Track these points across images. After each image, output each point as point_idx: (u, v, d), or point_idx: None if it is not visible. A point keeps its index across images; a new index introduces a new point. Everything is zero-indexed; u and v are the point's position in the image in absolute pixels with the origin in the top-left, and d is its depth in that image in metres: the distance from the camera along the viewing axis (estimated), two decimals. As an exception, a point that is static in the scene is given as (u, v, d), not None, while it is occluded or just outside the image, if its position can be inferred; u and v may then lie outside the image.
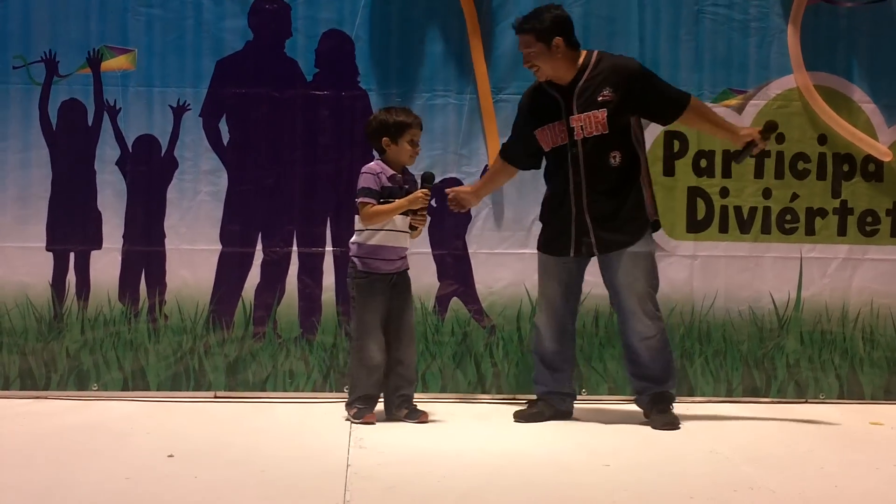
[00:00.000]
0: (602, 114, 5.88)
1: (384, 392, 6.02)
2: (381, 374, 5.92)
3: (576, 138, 5.91)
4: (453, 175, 6.64)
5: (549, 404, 6.09)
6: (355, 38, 6.60)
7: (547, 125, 6.00)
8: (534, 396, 6.20)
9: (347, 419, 5.88)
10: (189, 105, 6.54)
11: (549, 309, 6.10)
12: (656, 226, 6.13)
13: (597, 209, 5.91)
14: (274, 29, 6.58)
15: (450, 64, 6.64)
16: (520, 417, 6.05)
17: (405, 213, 5.90)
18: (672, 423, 5.89)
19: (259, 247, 6.59)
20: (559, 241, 6.03)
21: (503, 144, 6.33)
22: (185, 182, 6.56)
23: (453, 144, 6.57)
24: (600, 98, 5.89)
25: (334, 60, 6.60)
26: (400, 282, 6.00)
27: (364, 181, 5.89)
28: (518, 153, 6.26)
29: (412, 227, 5.94)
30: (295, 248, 6.57)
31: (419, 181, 5.97)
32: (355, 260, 5.97)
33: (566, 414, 6.12)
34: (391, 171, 5.91)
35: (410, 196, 5.86)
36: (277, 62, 6.58)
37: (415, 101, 6.59)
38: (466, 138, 6.61)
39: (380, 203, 5.85)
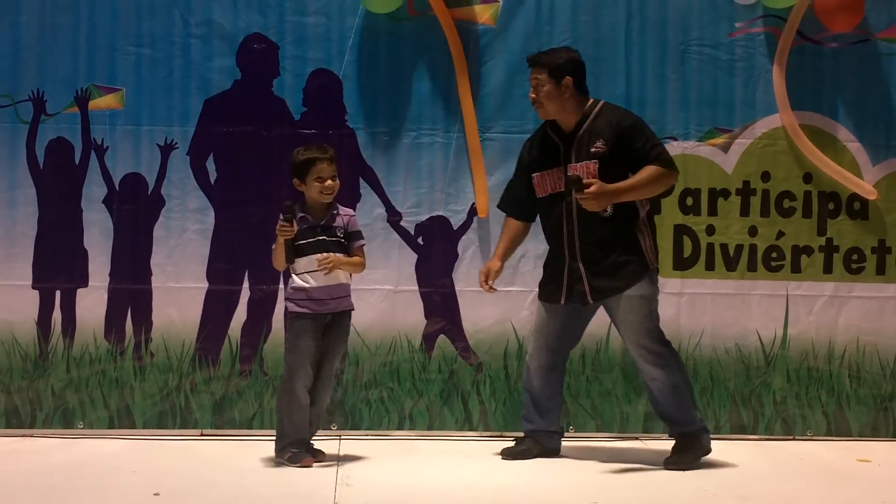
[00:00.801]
0: (593, 165, 5.83)
1: None
2: (307, 415, 5.85)
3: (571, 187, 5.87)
4: (440, 213, 6.65)
5: (537, 441, 6.08)
6: (343, 78, 6.62)
7: (546, 171, 5.96)
8: (521, 434, 6.19)
9: (281, 463, 5.79)
10: (176, 143, 6.55)
11: (541, 350, 6.07)
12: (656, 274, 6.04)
13: (589, 257, 5.85)
14: (262, 68, 6.60)
15: (437, 102, 6.67)
16: (507, 455, 6.04)
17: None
18: (678, 462, 5.84)
19: (246, 285, 6.58)
20: (551, 288, 6.02)
21: (508, 206, 6.16)
22: (172, 220, 6.56)
23: (440, 183, 6.58)
24: (593, 149, 5.84)
25: (322, 99, 6.62)
26: (335, 323, 5.89)
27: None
28: (529, 207, 6.10)
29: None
30: (281, 286, 6.54)
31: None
32: (286, 302, 5.93)
33: (554, 451, 6.11)
34: (300, 214, 5.81)
35: None
36: (265, 101, 6.60)
37: (402, 140, 6.62)
38: (453, 176, 6.63)
39: (295, 245, 5.77)
